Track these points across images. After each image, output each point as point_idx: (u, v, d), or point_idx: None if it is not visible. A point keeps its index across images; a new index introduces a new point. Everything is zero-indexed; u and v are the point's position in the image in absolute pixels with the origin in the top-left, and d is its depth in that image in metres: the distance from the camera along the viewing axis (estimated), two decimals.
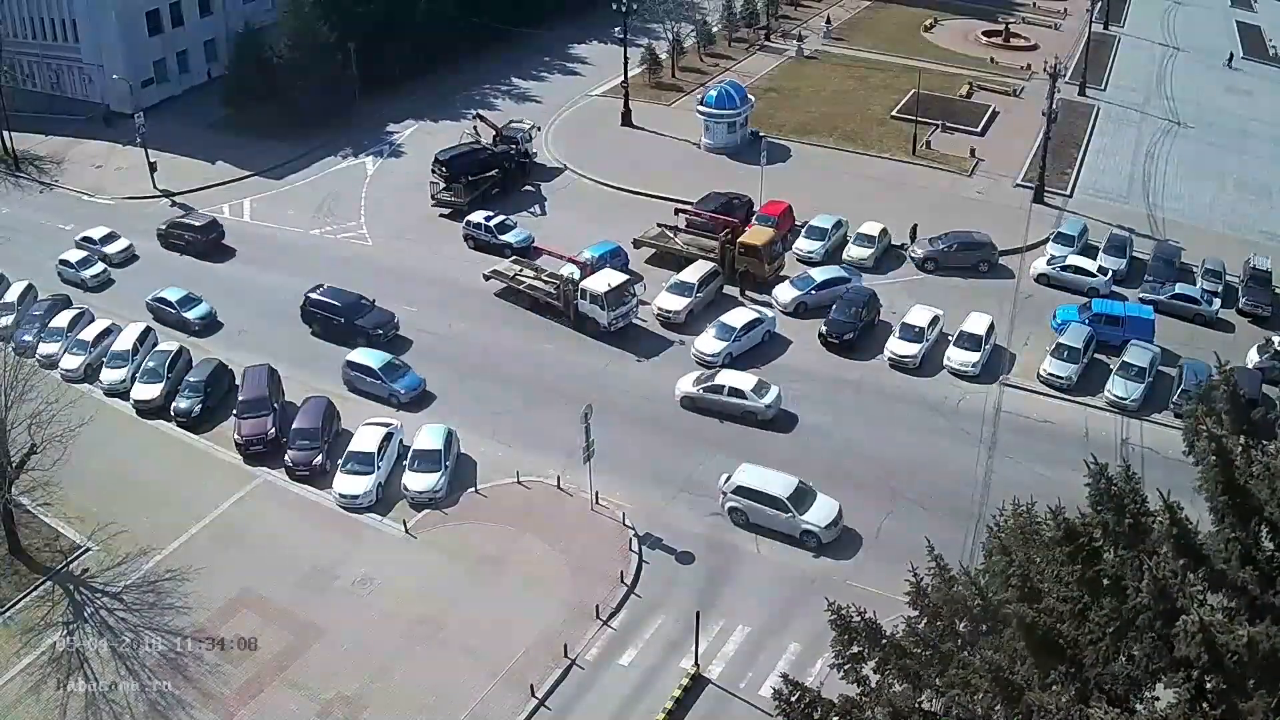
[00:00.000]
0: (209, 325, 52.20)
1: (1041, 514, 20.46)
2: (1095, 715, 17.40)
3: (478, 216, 59.23)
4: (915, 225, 56.98)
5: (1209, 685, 17.41)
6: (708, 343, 48.77)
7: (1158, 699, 18.68)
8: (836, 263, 55.40)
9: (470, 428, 44.02)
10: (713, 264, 53.32)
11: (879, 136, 70.36)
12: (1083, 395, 46.15)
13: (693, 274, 52.16)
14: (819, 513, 38.15)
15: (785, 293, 52.33)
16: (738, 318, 49.60)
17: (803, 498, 38.33)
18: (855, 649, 20.18)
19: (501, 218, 59.17)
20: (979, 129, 71.46)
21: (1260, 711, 16.76)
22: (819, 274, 53.02)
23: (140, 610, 36.66)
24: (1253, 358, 47.27)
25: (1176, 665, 17.48)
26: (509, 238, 57.86)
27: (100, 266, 56.91)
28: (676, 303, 50.99)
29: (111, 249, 58.11)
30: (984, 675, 18.79)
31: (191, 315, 52.01)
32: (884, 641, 20.06)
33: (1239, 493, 18.05)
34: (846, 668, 20.38)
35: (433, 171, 62.78)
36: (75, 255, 57.10)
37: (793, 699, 20.48)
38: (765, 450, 42.97)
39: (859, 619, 20.19)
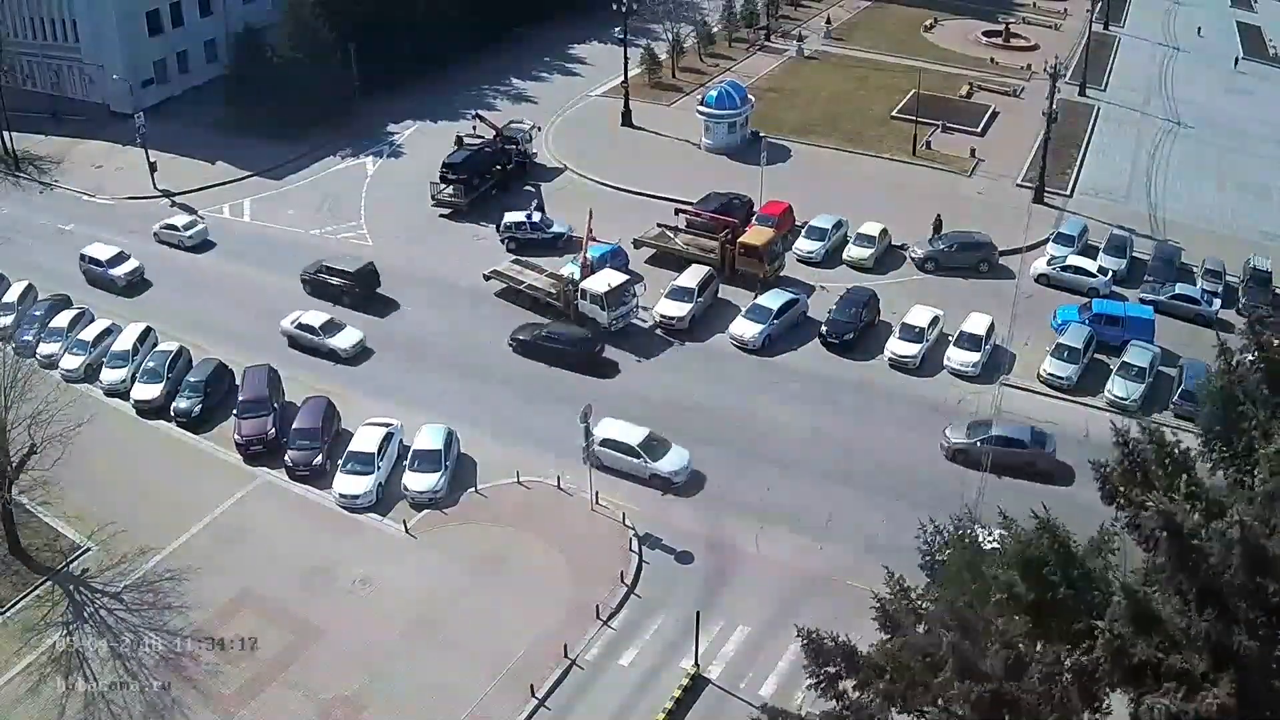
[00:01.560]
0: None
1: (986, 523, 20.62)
2: None
3: (515, 216, 59.05)
4: (939, 216, 57.15)
5: None
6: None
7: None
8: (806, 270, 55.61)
9: (470, 428, 44.01)
10: (709, 268, 53.15)
11: (879, 137, 70.38)
12: (1083, 395, 46.18)
13: (691, 279, 51.98)
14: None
15: (747, 328, 49.46)
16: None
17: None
18: (830, 669, 20.22)
19: (538, 215, 59.22)
20: (979, 129, 71.50)
21: None
22: (771, 301, 50.41)
23: (140, 610, 36.66)
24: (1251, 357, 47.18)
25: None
26: (555, 230, 58.34)
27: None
28: (679, 309, 50.79)
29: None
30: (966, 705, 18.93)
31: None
32: (860, 662, 20.12)
33: (1190, 554, 17.85)
34: (823, 687, 20.43)
35: (441, 179, 62.48)
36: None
37: None
38: (765, 450, 43.05)
39: (832, 643, 20.23)
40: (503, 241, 58.43)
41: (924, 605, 21.13)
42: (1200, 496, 18.83)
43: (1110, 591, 18.29)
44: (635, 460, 41.61)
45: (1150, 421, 20.34)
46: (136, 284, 55.53)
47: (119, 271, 55.39)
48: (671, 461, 41.67)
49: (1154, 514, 17.50)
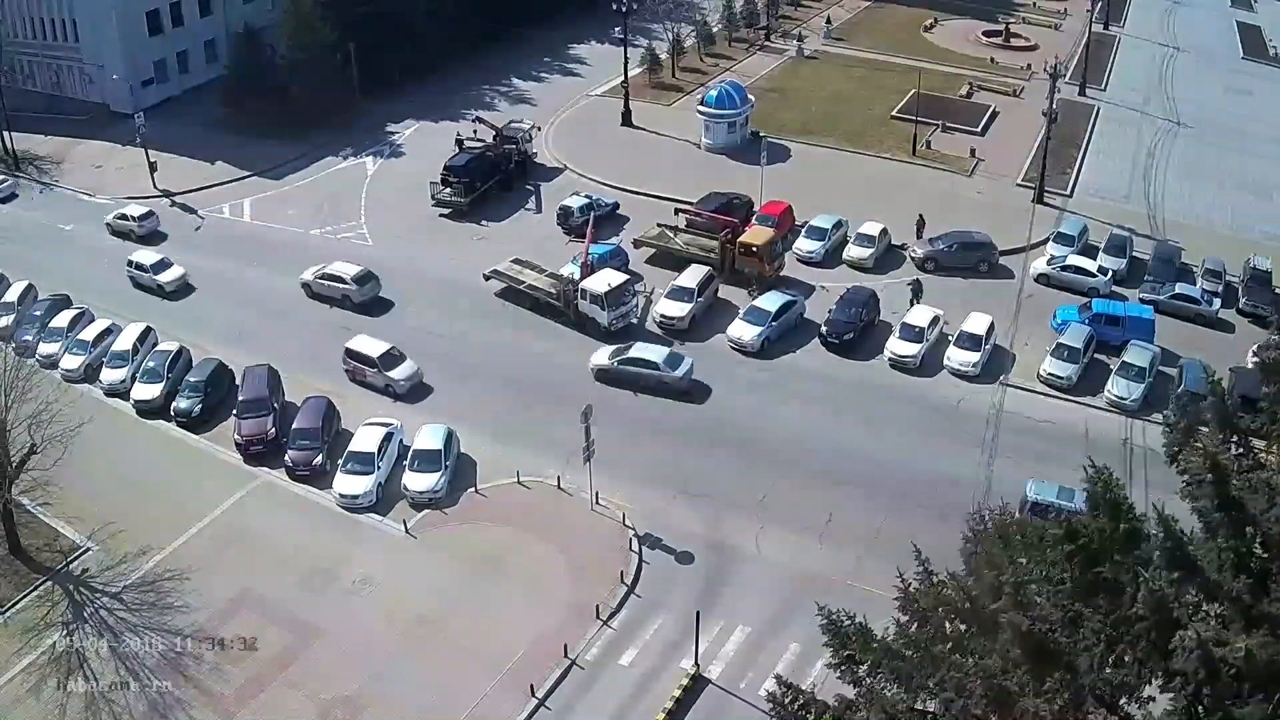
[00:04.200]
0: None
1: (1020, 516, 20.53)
2: None
3: (578, 201, 60.03)
4: (921, 216, 57.04)
5: (1204, 692, 17.42)
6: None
7: (1152, 699, 18.70)
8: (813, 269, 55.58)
9: (470, 428, 44.01)
10: (708, 268, 53.16)
11: (879, 137, 70.38)
12: (1083, 395, 46.18)
13: (690, 279, 51.98)
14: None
15: (745, 330, 49.37)
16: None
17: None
18: (848, 652, 20.15)
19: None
20: (979, 129, 71.51)
21: (1256, 718, 16.75)
22: (769, 303, 50.25)
23: (140, 610, 36.64)
24: (1252, 359, 47.23)
25: (1172, 675, 17.49)
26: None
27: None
28: (679, 309, 50.75)
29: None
30: (977, 680, 18.79)
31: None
32: (875, 645, 20.04)
33: (1233, 505, 18.02)
34: (842, 669, 20.37)
35: (444, 182, 62.50)
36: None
37: (787, 700, 20.48)
38: (765, 450, 43.04)
39: (850, 623, 20.17)
40: (569, 230, 58.62)
41: (948, 592, 20.99)
42: (1249, 447, 18.94)
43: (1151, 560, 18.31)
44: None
45: (1215, 374, 20.59)
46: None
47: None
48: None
49: (1202, 454, 17.52)
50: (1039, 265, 54.92)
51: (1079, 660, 18.52)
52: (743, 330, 49.26)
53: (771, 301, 50.30)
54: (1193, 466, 18.02)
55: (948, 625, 20.83)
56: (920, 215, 57.09)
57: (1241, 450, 19.16)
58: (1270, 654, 16.54)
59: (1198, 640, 16.50)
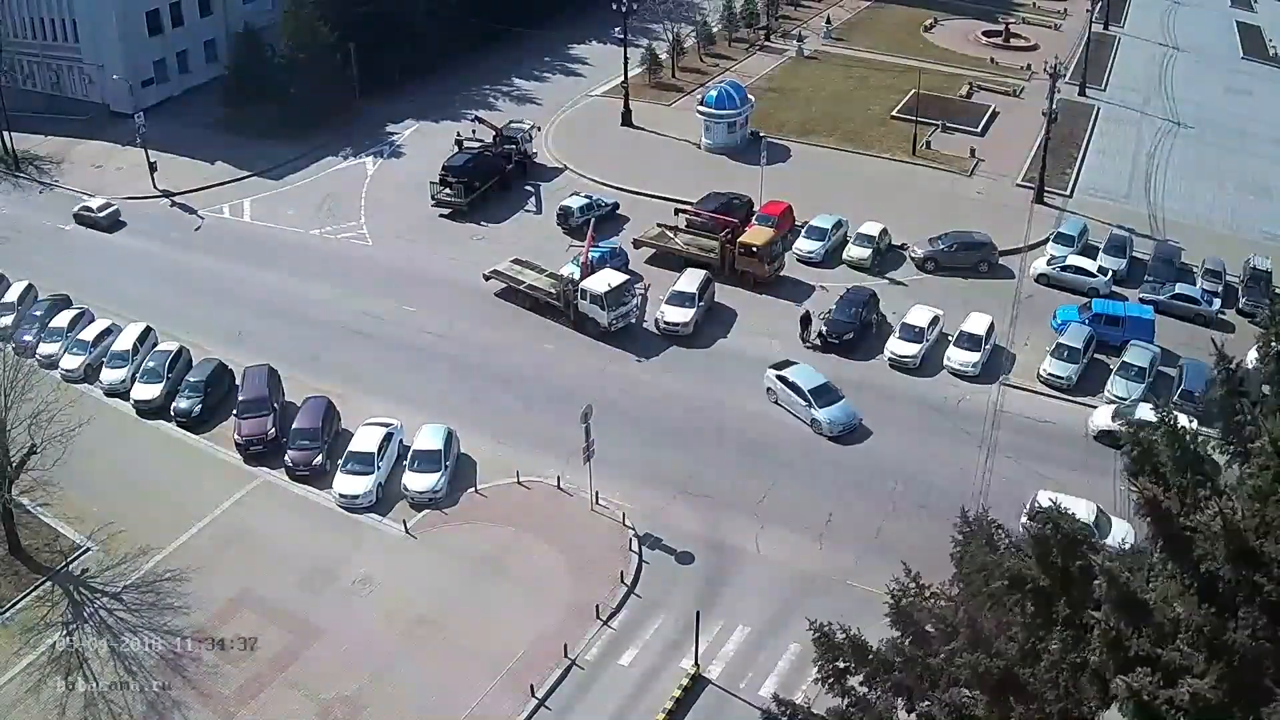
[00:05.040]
0: None
1: (1010, 519, 20.40)
2: None
3: (578, 201, 60.18)
4: (807, 312, 50.67)
5: None
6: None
7: None
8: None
9: (470, 428, 44.00)
10: (704, 272, 52.75)
11: (879, 137, 70.37)
12: (1083, 395, 46.15)
13: (690, 283, 51.59)
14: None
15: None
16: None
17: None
18: (839, 664, 20.12)
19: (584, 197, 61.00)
20: (979, 129, 71.48)
21: None
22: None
23: (140, 610, 36.62)
24: (1253, 357, 47.17)
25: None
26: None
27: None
28: (682, 314, 50.39)
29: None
30: (973, 687, 18.83)
31: None
32: (870, 656, 20.02)
33: (1181, 543, 17.75)
34: (830, 682, 20.33)
35: (442, 182, 62.43)
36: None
37: (783, 717, 20.50)
38: (765, 450, 43.03)
39: (843, 636, 20.14)
40: (570, 228, 58.64)
41: (939, 602, 20.97)
42: (1205, 485, 18.68)
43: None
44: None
45: (1165, 410, 20.08)
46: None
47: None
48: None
49: (1140, 498, 17.38)
50: (1039, 265, 54.92)
51: (1045, 691, 18.51)
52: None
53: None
54: (1138, 501, 17.79)
55: (941, 638, 20.80)
56: (806, 310, 50.74)
57: (1186, 491, 18.77)
58: (1221, 694, 16.42)
59: (1129, 690, 16.43)
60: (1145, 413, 43.16)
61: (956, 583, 20.84)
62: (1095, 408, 44.72)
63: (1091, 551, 18.96)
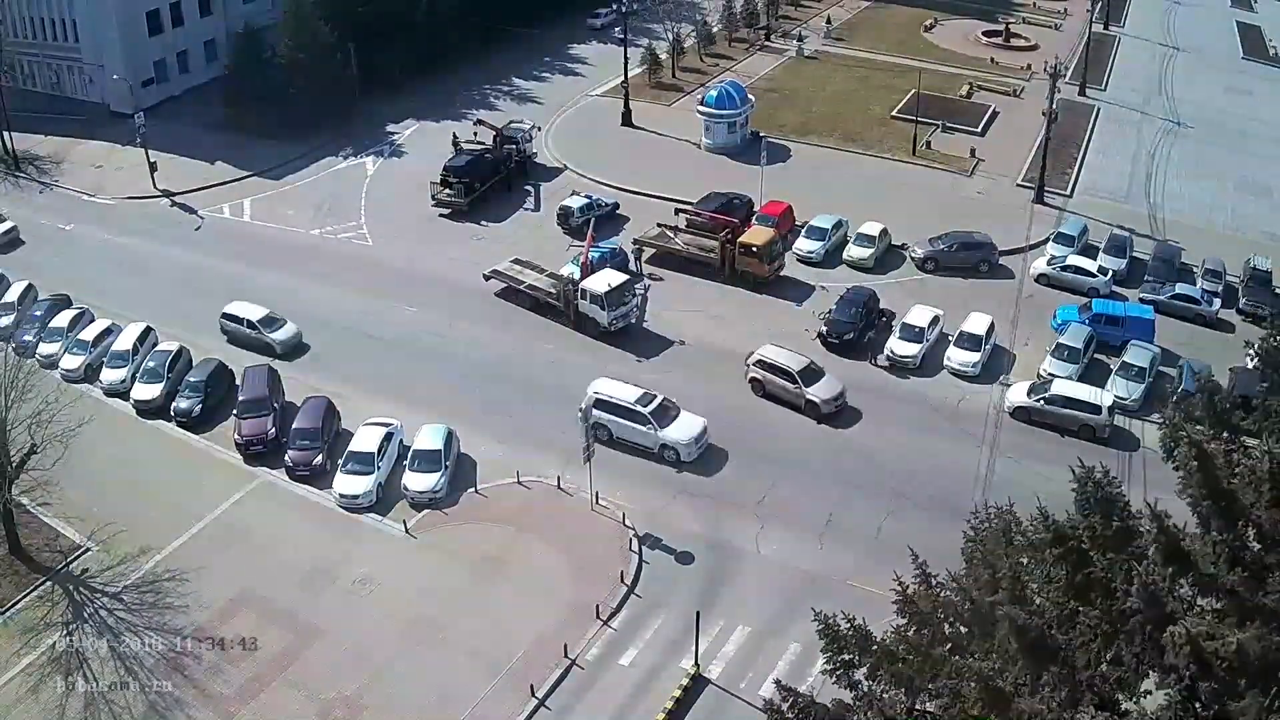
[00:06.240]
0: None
1: (1024, 517, 20.47)
2: None
3: (578, 201, 60.21)
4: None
5: (1201, 685, 17.42)
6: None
7: (1149, 692, 18.69)
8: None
9: (470, 428, 44.00)
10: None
11: (879, 136, 70.38)
12: None
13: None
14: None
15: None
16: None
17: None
18: (845, 656, 20.15)
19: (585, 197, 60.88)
20: (979, 129, 71.49)
21: (1253, 711, 16.76)
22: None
23: (140, 610, 36.62)
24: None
25: (1166, 670, 17.50)
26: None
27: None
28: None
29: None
30: (974, 683, 18.80)
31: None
32: (874, 648, 20.03)
33: (1224, 496, 18.02)
34: (838, 674, 20.35)
35: (442, 182, 62.50)
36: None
37: (785, 706, 20.47)
38: (765, 450, 43.03)
39: (847, 626, 20.16)
40: (570, 229, 58.63)
41: (946, 594, 20.99)
42: (1243, 445, 18.97)
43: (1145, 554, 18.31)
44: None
45: (1210, 376, 20.47)
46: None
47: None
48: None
49: (1188, 441, 17.52)
50: (1039, 265, 54.93)
51: (1076, 656, 18.55)
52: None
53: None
54: (1181, 455, 18.04)
55: (946, 628, 20.84)
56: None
57: (1235, 446, 19.17)
58: (1263, 648, 16.55)
59: (1187, 636, 16.50)
60: (1063, 388, 43.77)
61: (967, 576, 20.89)
62: (1010, 384, 45.16)
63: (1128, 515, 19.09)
